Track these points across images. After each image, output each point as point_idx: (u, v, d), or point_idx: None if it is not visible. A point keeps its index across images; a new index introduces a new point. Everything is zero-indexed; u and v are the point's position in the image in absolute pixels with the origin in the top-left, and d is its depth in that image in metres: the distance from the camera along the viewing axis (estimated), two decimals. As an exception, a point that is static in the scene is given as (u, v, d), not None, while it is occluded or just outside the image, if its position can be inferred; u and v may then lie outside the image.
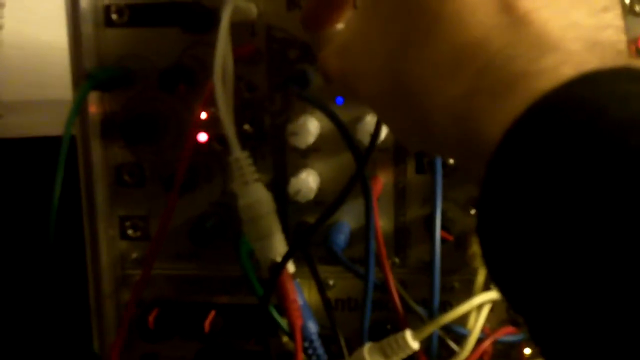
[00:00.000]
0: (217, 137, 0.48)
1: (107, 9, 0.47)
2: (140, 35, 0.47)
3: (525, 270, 0.22)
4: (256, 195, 0.39)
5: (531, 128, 0.22)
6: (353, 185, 0.40)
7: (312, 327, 0.40)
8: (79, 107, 0.44)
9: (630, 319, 0.19)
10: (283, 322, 0.43)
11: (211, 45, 0.40)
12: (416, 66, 0.27)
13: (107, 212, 0.49)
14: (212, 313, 0.50)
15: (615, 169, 0.19)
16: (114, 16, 0.47)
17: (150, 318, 0.49)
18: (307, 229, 0.47)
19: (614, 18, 0.26)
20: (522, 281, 0.22)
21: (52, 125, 0.70)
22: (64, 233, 0.47)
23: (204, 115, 0.46)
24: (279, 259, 0.39)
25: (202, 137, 0.48)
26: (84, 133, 0.47)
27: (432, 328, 0.44)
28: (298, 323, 0.38)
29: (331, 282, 0.49)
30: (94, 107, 0.47)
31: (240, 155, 0.39)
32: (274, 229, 0.39)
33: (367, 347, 0.43)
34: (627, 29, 0.27)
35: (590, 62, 0.23)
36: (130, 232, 0.50)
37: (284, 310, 0.39)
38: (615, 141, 0.20)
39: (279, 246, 0.39)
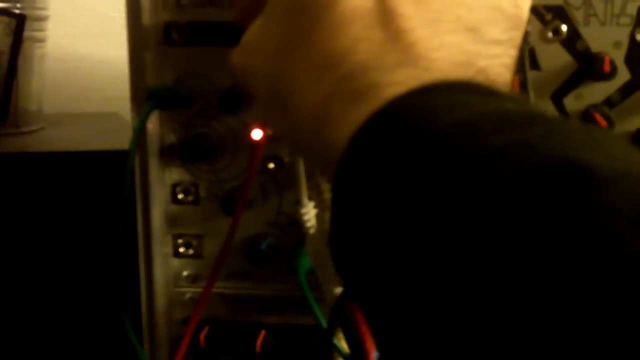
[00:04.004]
0: (272, 156, 0.48)
1: (167, 27, 0.47)
2: (201, 54, 0.47)
3: (364, 273, 0.23)
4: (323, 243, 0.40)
5: (369, 135, 0.24)
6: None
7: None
8: (143, 125, 0.44)
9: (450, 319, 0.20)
10: (343, 349, 0.43)
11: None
12: (291, 69, 0.28)
13: (163, 230, 0.49)
14: (263, 332, 0.50)
15: (436, 170, 0.21)
16: (174, 34, 0.47)
17: (202, 336, 0.49)
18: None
19: (503, 54, 0.28)
20: (361, 278, 0.24)
21: (93, 138, 0.71)
22: (110, 250, 0.47)
23: (259, 135, 0.46)
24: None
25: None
26: (142, 150, 0.47)
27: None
28: (372, 350, 0.38)
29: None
30: (151, 125, 0.47)
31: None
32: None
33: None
34: None
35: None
36: (182, 249, 0.50)
37: (351, 338, 0.39)
38: (439, 144, 0.21)
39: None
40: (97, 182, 0.60)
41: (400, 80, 0.25)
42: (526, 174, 0.19)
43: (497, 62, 0.27)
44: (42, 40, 0.69)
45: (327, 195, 0.40)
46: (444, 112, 0.22)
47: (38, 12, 0.67)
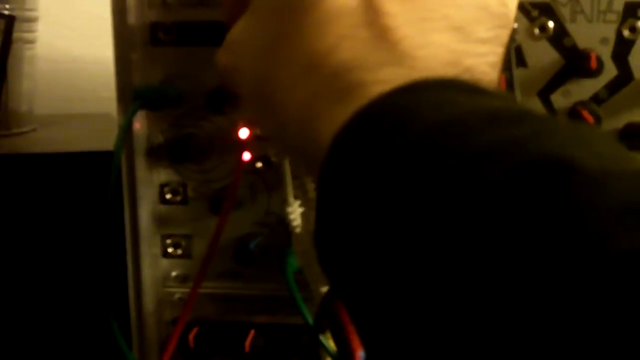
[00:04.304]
0: (260, 156, 0.48)
1: (153, 27, 0.47)
2: (188, 54, 0.47)
3: (348, 273, 0.23)
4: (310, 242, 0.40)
5: (352, 133, 0.23)
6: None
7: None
8: (128, 126, 0.44)
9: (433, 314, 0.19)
10: (331, 348, 0.43)
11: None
12: (278, 68, 0.28)
13: (151, 230, 0.49)
14: (252, 332, 0.50)
15: (422, 169, 0.21)
16: (160, 34, 0.47)
17: (191, 336, 0.49)
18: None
19: (489, 52, 0.28)
20: (346, 278, 0.23)
21: (84, 139, 0.71)
22: (99, 250, 0.47)
23: (245, 134, 0.46)
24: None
25: (246, 156, 0.48)
26: (129, 150, 0.47)
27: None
28: (358, 349, 0.38)
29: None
30: (138, 125, 0.47)
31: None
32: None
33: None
34: None
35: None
36: (170, 250, 0.50)
37: (338, 337, 0.39)
38: (425, 142, 0.21)
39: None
40: (88, 183, 0.60)
41: (386, 79, 0.24)
42: (515, 172, 0.19)
43: (483, 60, 0.27)
44: (32, 42, 0.69)
45: (313, 195, 0.40)
46: (429, 110, 0.22)
47: (28, 14, 0.67)
